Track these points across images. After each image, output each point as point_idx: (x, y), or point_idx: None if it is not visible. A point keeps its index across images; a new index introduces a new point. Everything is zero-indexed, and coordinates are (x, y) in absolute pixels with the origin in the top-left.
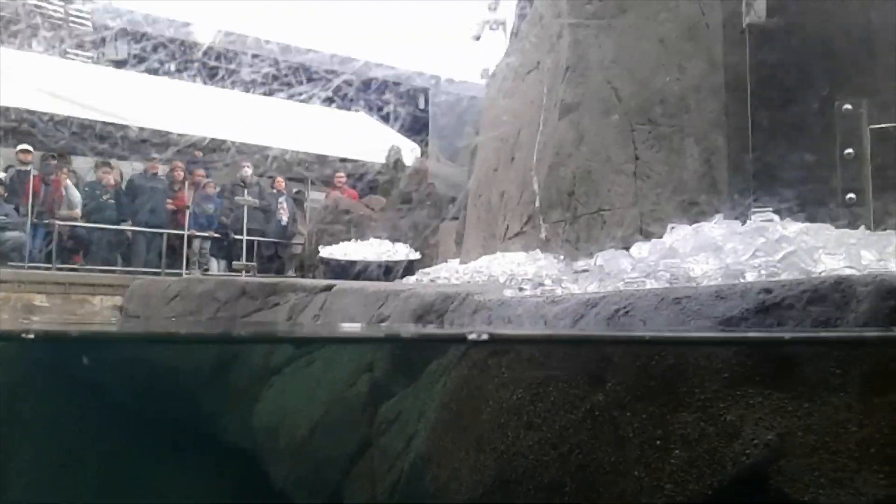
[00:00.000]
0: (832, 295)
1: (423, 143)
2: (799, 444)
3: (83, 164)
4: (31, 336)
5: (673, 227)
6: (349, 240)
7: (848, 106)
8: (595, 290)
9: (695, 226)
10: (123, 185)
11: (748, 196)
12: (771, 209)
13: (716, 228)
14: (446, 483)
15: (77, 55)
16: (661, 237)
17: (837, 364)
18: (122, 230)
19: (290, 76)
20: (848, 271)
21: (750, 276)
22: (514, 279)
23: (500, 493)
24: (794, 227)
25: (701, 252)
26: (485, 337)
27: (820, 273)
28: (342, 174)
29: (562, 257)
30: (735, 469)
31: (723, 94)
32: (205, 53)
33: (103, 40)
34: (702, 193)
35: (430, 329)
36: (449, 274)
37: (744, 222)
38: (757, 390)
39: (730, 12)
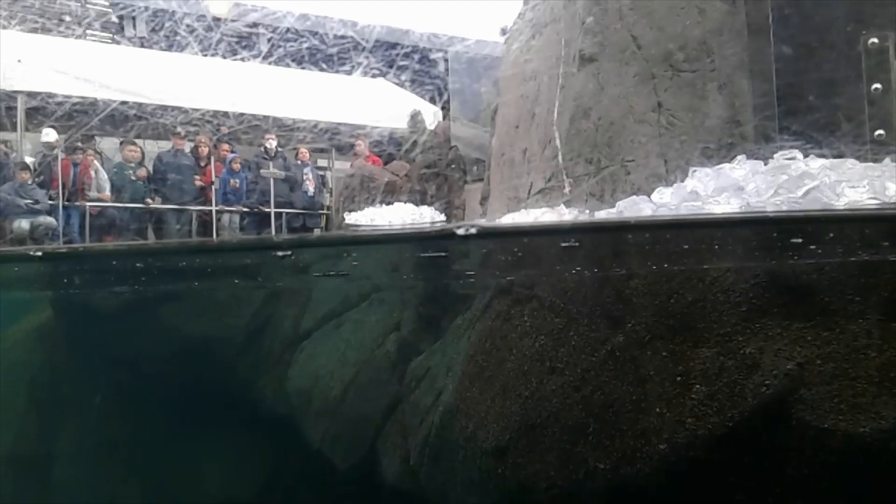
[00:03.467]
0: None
1: (445, 106)
2: (818, 372)
3: (109, 144)
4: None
5: (695, 171)
6: (375, 206)
7: (874, 40)
8: None
9: (716, 168)
10: (150, 164)
11: (775, 139)
12: (797, 150)
13: (737, 169)
14: (474, 432)
15: (96, 35)
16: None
17: (855, 291)
18: (152, 208)
19: (306, 45)
20: (871, 202)
21: None
22: None
23: (526, 438)
24: (816, 164)
25: (722, 193)
26: (473, 231)
27: (843, 206)
28: (361, 142)
29: (587, 212)
30: (756, 400)
31: (745, 36)
32: (222, 27)
33: (121, 19)
34: (727, 139)
35: (419, 227)
36: None
37: (767, 162)
38: (776, 321)
39: None
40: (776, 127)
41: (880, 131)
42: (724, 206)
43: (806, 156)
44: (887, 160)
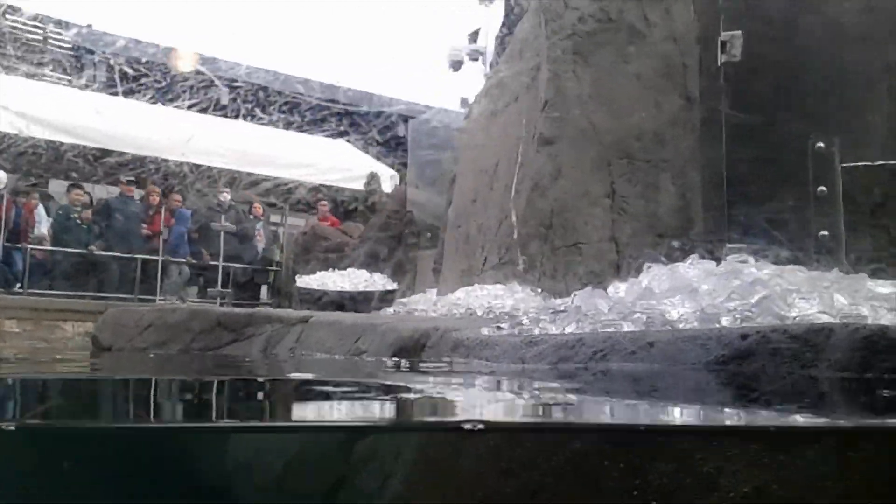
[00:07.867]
0: (807, 342)
1: (402, 170)
2: (776, 498)
3: (57, 187)
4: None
5: (649, 267)
6: (326, 267)
7: (821, 144)
8: (572, 330)
9: (670, 266)
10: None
11: (722, 232)
12: (745, 245)
13: (691, 269)
14: None
15: (54, 78)
16: (636, 271)
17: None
18: (95, 254)
19: (270, 101)
20: (823, 317)
21: (725, 321)
22: (491, 312)
23: None
24: (767, 270)
25: (677, 294)
26: (480, 427)
27: (794, 318)
28: (326, 202)
29: (539, 290)
30: None
31: (698, 131)
32: (185, 79)
33: (82, 65)
34: (677, 228)
35: (422, 420)
36: (426, 306)
37: (718, 262)
38: (734, 441)
39: (705, 51)
40: (725, 220)
41: (824, 232)
42: (679, 307)
43: (756, 257)
44: (835, 271)
